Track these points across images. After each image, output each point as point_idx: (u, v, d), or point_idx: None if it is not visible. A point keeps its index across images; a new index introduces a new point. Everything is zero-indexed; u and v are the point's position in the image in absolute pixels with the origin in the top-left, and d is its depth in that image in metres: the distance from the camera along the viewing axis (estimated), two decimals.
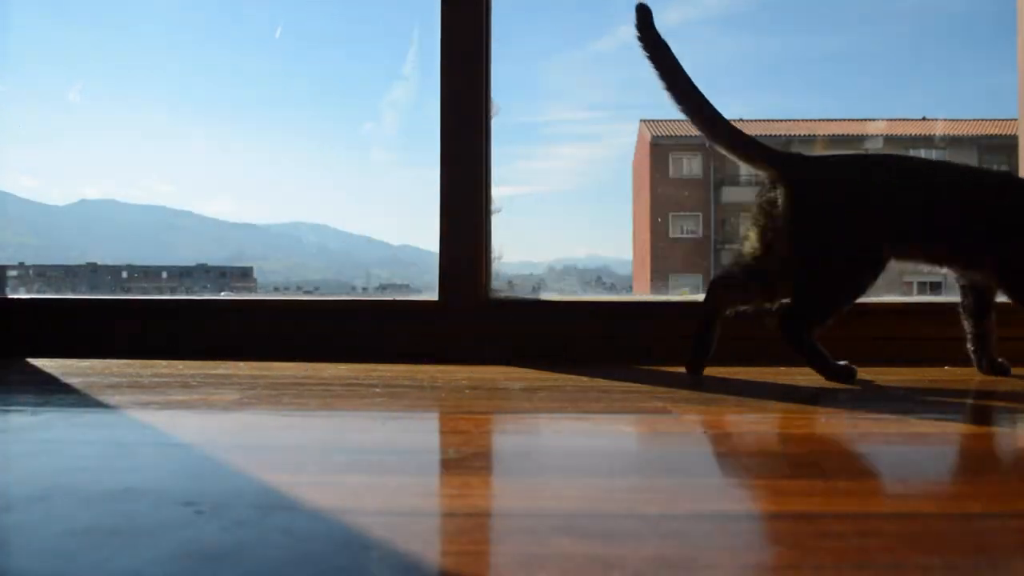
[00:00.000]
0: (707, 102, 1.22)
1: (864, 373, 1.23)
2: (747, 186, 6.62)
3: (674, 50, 1.21)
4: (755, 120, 6.38)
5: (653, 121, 6.25)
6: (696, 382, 1.18)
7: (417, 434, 0.86)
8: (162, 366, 1.30)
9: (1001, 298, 1.25)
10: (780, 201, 1.18)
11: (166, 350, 1.43)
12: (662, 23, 1.19)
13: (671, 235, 6.57)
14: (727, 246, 6.67)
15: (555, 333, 1.49)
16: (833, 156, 1.26)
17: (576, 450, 0.75)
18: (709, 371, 1.26)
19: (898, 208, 1.18)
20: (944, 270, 1.28)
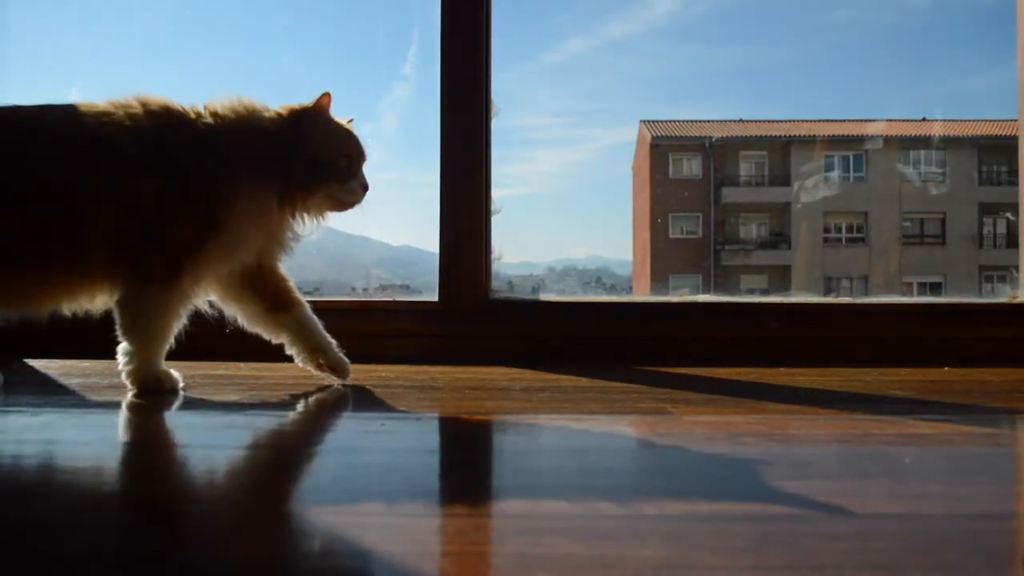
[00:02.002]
0: None
1: (864, 374, 1.23)
2: (747, 186, 6.63)
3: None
4: (755, 121, 6.38)
5: (653, 122, 6.25)
6: (695, 383, 1.18)
7: (417, 434, 0.86)
8: None
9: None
10: None
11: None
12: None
13: (671, 235, 6.57)
14: (727, 246, 6.67)
15: (555, 334, 1.49)
16: None
17: (576, 450, 0.75)
18: (709, 371, 1.26)
19: None
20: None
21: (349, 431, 0.90)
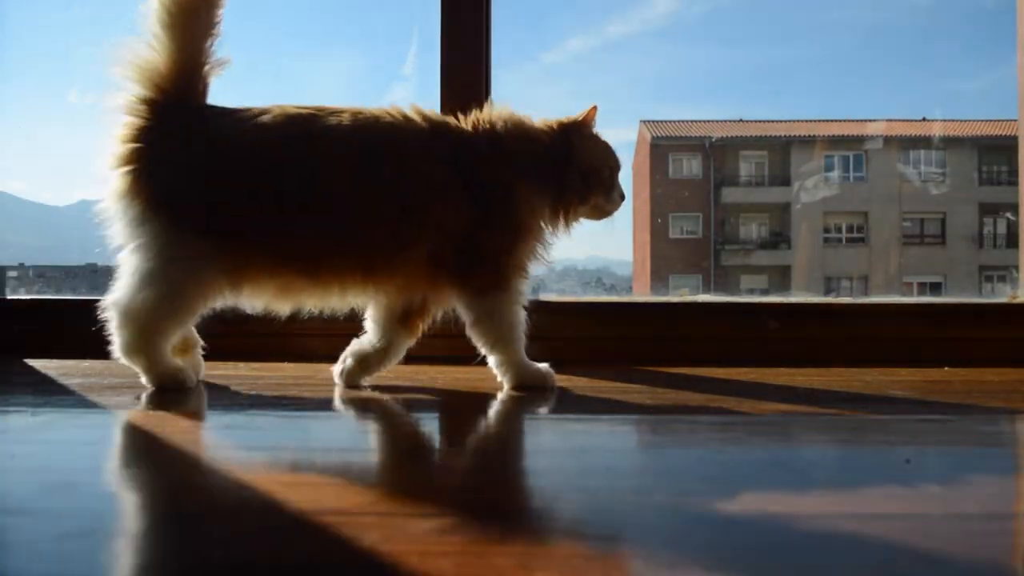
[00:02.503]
0: None
1: (864, 374, 1.23)
2: (747, 186, 6.63)
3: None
4: (755, 121, 6.38)
5: (653, 122, 6.25)
6: (695, 383, 1.18)
7: (417, 434, 0.86)
8: None
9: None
10: None
11: None
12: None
13: (671, 236, 6.57)
14: (727, 246, 6.67)
15: (555, 334, 1.49)
16: None
17: (575, 450, 0.75)
18: (709, 371, 1.26)
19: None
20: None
21: (350, 430, 0.90)
